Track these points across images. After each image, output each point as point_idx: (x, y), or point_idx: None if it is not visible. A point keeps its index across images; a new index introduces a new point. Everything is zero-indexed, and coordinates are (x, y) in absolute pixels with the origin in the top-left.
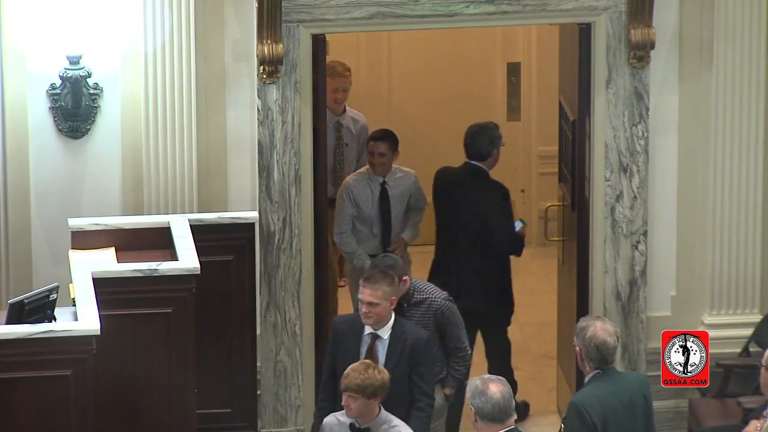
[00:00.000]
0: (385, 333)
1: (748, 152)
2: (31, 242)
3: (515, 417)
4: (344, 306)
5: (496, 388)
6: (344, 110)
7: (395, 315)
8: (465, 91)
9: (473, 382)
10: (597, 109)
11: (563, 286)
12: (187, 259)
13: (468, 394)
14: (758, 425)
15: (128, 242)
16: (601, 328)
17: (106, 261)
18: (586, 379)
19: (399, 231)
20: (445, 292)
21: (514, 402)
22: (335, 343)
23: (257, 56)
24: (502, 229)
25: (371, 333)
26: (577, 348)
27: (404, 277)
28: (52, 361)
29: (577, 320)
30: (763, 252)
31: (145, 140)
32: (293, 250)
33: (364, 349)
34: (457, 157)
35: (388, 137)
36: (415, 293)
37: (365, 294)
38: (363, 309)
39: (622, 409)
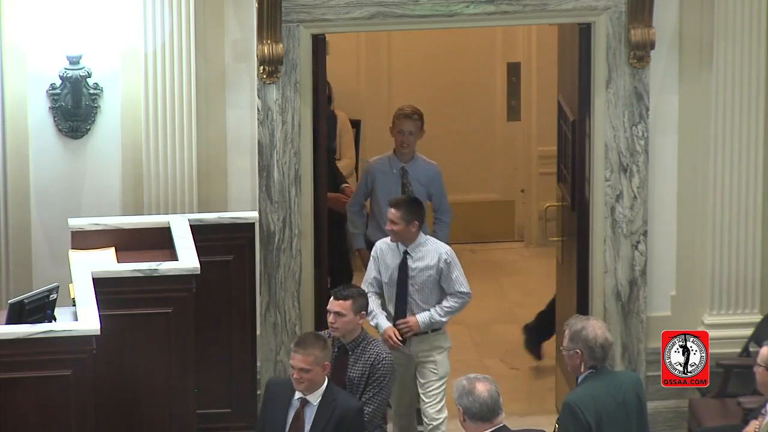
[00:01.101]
0: (315, 399)
1: (748, 152)
2: (31, 242)
3: (503, 415)
4: None
5: (483, 387)
6: (413, 156)
7: (328, 381)
8: (465, 91)
9: (460, 382)
10: (597, 109)
11: (563, 286)
12: (187, 259)
13: (455, 394)
14: (757, 425)
15: (128, 242)
16: (598, 326)
17: (106, 261)
18: (579, 379)
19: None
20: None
21: (501, 400)
22: (264, 404)
23: (257, 56)
24: None
25: (300, 398)
26: (577, 351)
27: (362, 312)
28: (52, 361)
29: None
30: (763, 252)
31: (145, 140)
32: (293, 250)
33: (291, 414)
34: (457, 157)
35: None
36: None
37: (296, 360)
38: (294, 375)
39: (616, 408)
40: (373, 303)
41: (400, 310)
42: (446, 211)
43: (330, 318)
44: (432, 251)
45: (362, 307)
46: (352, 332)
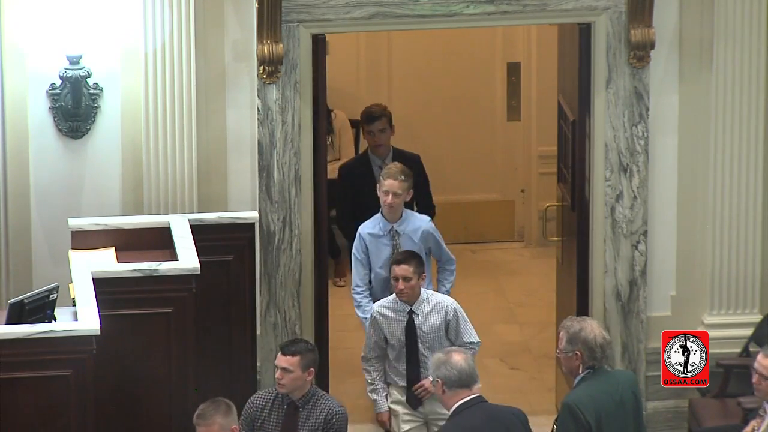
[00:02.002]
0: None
1: (748, 152)
2: (31, 242)
3: (480, 385)
4: (342, 306)
5: (459, 356)
6: (401, 216)
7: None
8: (465, 91)
9: (435, 356)
10: (597, 109)
11: (563, 286)
12: (187, 259)
13: (431, 369)
14: (755, 425)
15: (128, 242)
16: (596, 326)
17: (106, 261)
18: (577, 380)
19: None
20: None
21: (477, 371)
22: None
23: (257, 56)
24: None
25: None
26: (576, 352)
27: (311, 369)
28: (52, 361)
29: None
30: (763, 252)
31: (145, 140)
32: (293, 250)
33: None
34: (457, 157)
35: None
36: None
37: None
38: None
39: (614, 408)
40: (374, 374)
41: (413, 372)
42: (450, 260)
43: (277, 374)
44: (437, 308)
45: (311, 364)
46: (300, 388)
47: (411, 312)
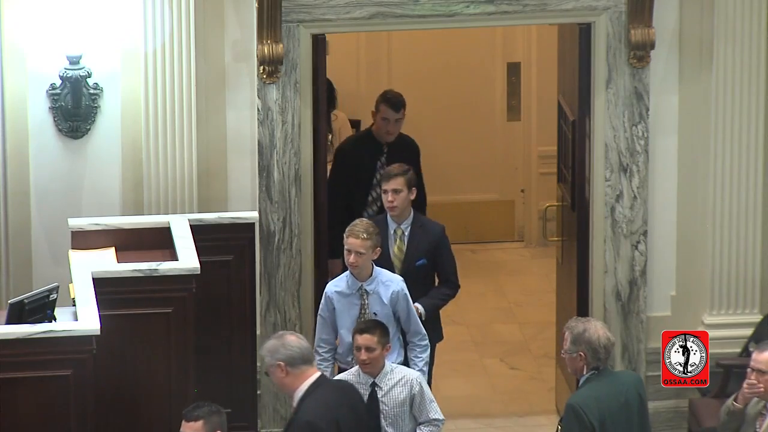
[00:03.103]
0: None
1: (748, 152)
2: (31, 242)
3: None
4: None
5: (292, 336)
6: (371, 274)
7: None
8: (465, 91)
9: (268, 344)
10: (597, 109)
11: (563, 286)
12: (187, 259)
13: (267, 358)
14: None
15: (128, 242)
16: (600, 327)
17: (106, 261)
18: (581, 381)
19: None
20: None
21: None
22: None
23: (257, 56)
24: None
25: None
26: (580, 353)
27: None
28: (52, 361)
29: None
30: (763, 252)
31: (145, 140)
32: (293, 250)
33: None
34: (457, 157)
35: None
36: None
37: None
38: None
39: (619, 409)
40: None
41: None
42: (419, 334)
43: None
44: (402, 381)
45: (217, 427)
46: None
47: (374, 384)
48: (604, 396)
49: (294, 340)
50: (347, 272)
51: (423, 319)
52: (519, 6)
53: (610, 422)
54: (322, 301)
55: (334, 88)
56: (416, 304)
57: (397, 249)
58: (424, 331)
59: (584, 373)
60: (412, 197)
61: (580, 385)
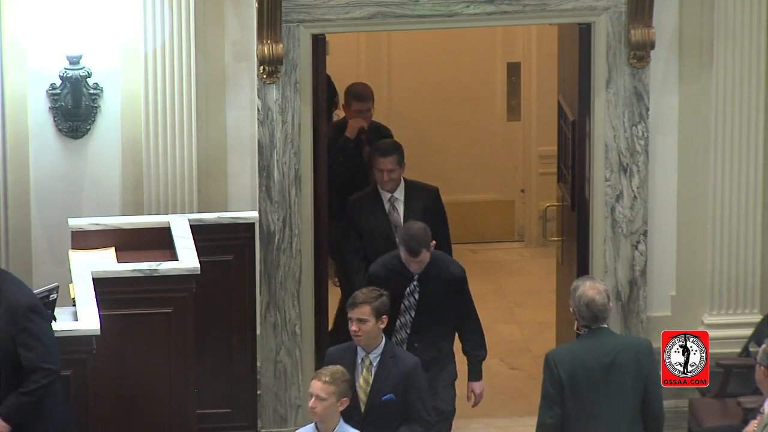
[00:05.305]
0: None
1: (748, 152)
2: (31, 242)
3: None
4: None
5: None
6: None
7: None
8: (465, 91)
9: None
10: (597, 109)
11: (563, 286)
12: (187, 259)
13: None
14: (756, 424)
15: (128, 242)
16: (590, 286)
17: (106, 261)
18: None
19: None
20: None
21: None
22: None
23: (257, 56)
24: None
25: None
26: (571, 309)
27: None
28: None
29: None
30: (763, 252)
31: (145, 140)
32: (293, 250)
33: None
34: (457, 157)
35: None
36: None
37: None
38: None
39: (599, 369)
40: None
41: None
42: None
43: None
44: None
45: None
46: None
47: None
48: (583, 353)
49: None
50: (312, 425)
51: None
52: (519, 6)
53: (583, 378)
54: None
55: (336, 87)
56: None
57: (362, 380)
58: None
59: (577, 329)
60: (382, 326)
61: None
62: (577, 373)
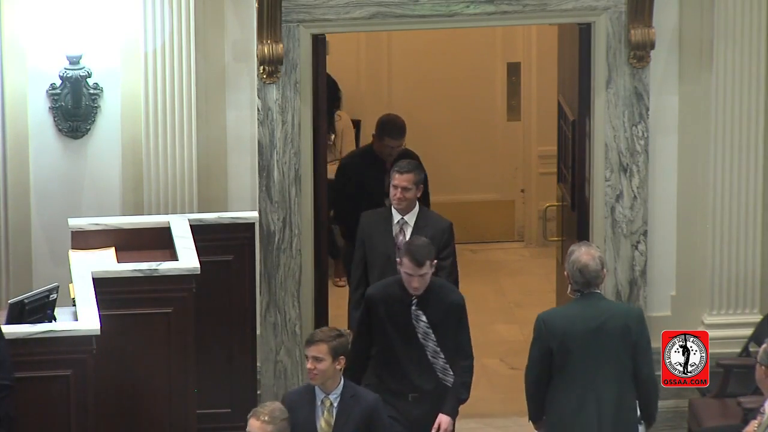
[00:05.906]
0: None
1: (748, 152)
2: (31, 242)
3: None
4: (342, 306)
5: None
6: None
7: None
8: (465, 91)
9: None
10: (597, 109)
11: (563, 287)
12: (187, 259)
13: None
14: (756, 424)
15: (128, 242)
16: (585, 252)
17: (106, 261)
18: None
19: None
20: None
21: None
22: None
23: (257, 56)
24: None
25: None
26: (565, 272)
27: None
28: (52, 361)
29: None
30: (763, 252)
31: (145, 140)
32: (293, 250)
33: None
34: (457, 157)
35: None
36: None
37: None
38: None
39: (587, 332)
40: None
41: None
42: None
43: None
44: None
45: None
46: None
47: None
48: (573, 316)
49: None
50: None
51: None
52: (519, 6)
53: (572, 341)
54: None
55: (339, 88)
56: None
57: (324, 423)
58: None
59: (570, 293)
60: (339, 367)
61: None
62: (566, 337)
